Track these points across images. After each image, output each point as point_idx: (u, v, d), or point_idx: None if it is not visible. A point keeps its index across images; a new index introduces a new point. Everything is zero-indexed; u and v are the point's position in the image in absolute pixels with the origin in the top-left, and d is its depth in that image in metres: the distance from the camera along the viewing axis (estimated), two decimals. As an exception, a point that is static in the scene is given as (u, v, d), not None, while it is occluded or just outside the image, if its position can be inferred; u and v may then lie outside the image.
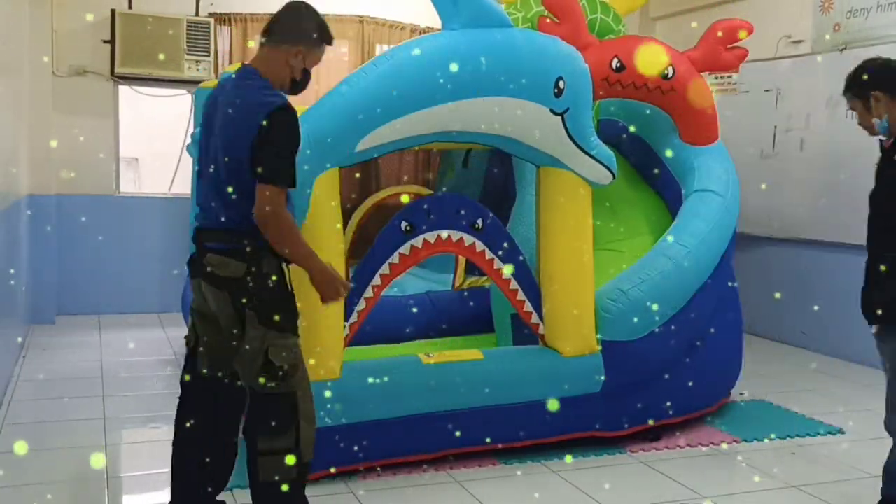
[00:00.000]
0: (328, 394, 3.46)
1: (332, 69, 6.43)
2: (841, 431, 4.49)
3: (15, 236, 5.35)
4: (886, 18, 5.89)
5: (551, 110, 3.69)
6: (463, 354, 3.92)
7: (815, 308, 6.27)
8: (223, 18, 7.11)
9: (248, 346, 2.70)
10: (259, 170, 2.63)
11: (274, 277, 2.74)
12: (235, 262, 2.72)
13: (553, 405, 3.80)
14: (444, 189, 5.99)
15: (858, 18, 6.09)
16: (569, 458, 3.94)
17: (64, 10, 6.72)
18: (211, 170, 2.80)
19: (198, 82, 6.43)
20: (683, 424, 4.45)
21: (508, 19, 3.69)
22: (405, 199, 4.06)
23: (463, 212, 3.74)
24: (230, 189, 2.71)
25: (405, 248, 3.65)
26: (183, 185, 6.97)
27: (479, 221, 3.78)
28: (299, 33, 2.81)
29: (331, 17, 7.28)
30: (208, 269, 2.77)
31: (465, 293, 5.21)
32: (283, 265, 2.79)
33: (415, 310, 4.96)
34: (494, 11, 3.61)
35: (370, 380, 3.59)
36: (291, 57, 2.80)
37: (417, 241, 3.67)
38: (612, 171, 3.94)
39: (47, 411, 4.50)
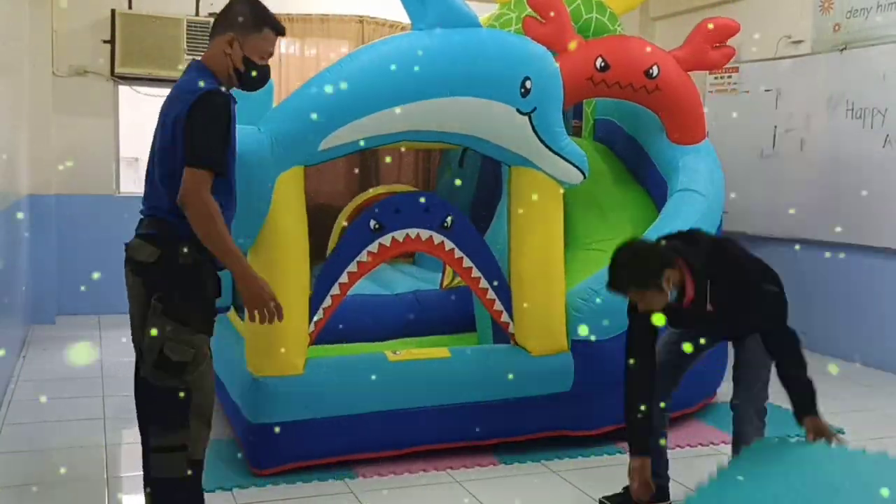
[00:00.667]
0: (291, 389, 3.52)
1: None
2: (841, 431, 4.49)
3: (15, 236, 5.35)
4: (886, 18, 5.89)
5: (518, 110, 3.73)
6: (430, 352, 3.95)
7: (816, 308, 6.28)
8: (223, 18, 7.10)
9: (147, 337, 2.59)
10: (186, 154, 2.57)
11: (188, 267, 2.62)
12: (151, 246, 2.64)
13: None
14: (443, 188, 5.98)
15: (858, 18, 6.09)
16: (569, 459, 3.94)
17: (64, 10, 6.72)
18: (149, 163, 2.76)
19: (198, 82, 6.42)
20: (682, 424, 4.45)
21: (477, 19, 3.76)
22: None
23: (431, 210, 3.77)
24: (157, 176, 2.66)
25: (373, 246, 3.69)
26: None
27: (448, 220, 3.80)
28: (228, 19, 2.74)
29: (331, 17, 7.30)
30: (127, 253, 2.73)
31: (453, 296, 5.21)
32: (209, 258, 2.65)
33: (401, 308, 4.98)
34: (463, 11, 3.66)
35: (333, 376, 3.64)
36: (225, 45, 2.72)
37: (386, 240, 3.70)
38: (582, 171, 3.97)
39: (47, 411, 4.50)
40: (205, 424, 2.67)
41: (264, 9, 2.79)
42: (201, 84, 2.61)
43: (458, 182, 5.85)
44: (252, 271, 2.66)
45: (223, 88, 2.69)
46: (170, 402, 2.60)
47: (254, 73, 2.77)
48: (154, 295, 2.60)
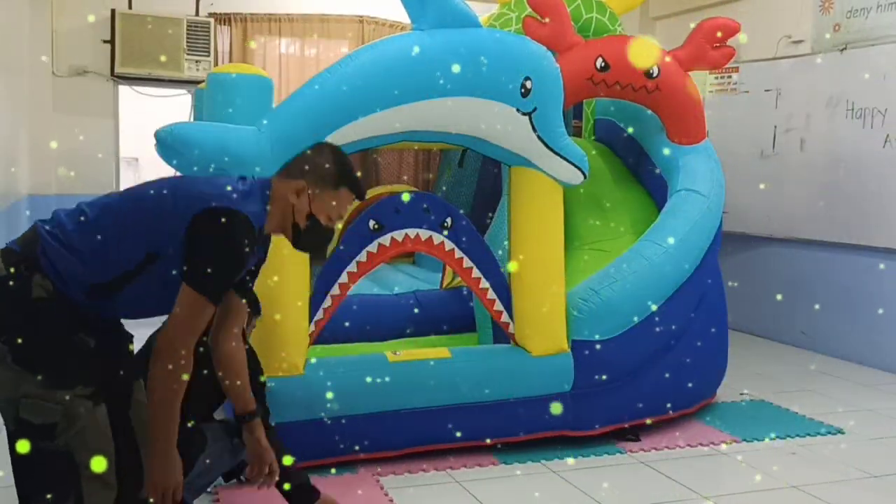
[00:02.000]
0: (291, 390, 3.53)
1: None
2: (841, 431, 4.49)
3: (15, 236, 5.33)
4: (886, 18, 5.89)
5: (518, 110, 3.72)
6: (430, 353, 3.95)
7: (815, 308, 6.28)
8: (223, 18, 7.11)
9: None
10: (188, 273, 2.10)
11: (41, 301, 2.06)
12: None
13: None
14: (444, 188, 5.99)
15: (858, 18, 6.09)
16: (569, 459, 3.94)
17: (64, 10, 6.72)
18: (81, 218, 2.23)
19: (198, 82, 6.42)
20: (682, 424, 4.45)
21: (477, 19, 3.75)
22: None
23: (431, 210, 3.77)
24: (95, 228, 2.17)
25: (373, 246, 3.68)
26: (183, 185, 6.97)
27: (448, 220, 3.80)
28: (306, 165, 2.32)
29: (331, 17, 7.30)
30: None
31: (453, 296, 5.22)
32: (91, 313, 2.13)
33: (401, 309, 4.99)
34: (463, 11, 3.66)
35: (333, 376, 3.64)
36: (291, 193, 2.29)
37: (385, 240, 3.70)
38: (582, 171, 3.97)
39: (47, 411, 4.49)
40: (105, 488, 2.13)
41: (349, 166, 2.38)
42: (236, 197, 2.16)
43: (458, 182, 5.87)
44: (175, 452, 2.17)
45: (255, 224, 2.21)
46: (48, 469, 2.07)
47: (315, 236, 2.38)
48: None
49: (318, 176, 2.31)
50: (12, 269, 2.08)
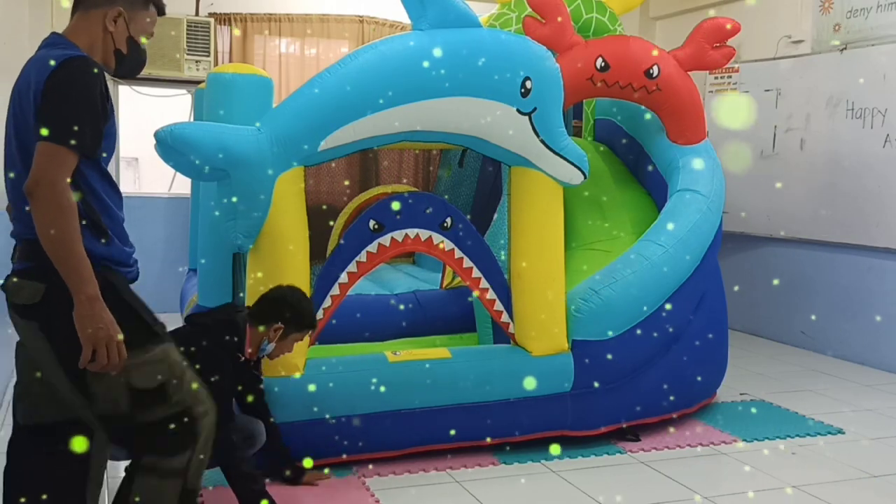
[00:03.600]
0: (291, 390, 3.53)
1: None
2: (841, 431, 4.49)
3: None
4: (886, 18, 5.89)
5: (518, 110, 3.72)
6: (430, 353, 3.95)
7: (816, 308, 6.28)
8: (223, 18, 7.11)
9: (95, 387, 2.13)
10: (40, 127, 2.03)
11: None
12: (31, 282, 2.12)
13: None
14: (444, 188, 5.99)
15: (858, 18, 6.09)
16: (569, 459, 3.94)
17: (64, 10, 6.71)
18: (11, 174, 2.19)
19: (198, 82, 6.43)
20: (682, 424, 4.45)
21: (477, 19, 3.75)
22: None
23: (431, 210, 3.77)
24: (14, 180, 2.13)
25: (373, 247, 3.68)
26: (183, 185, 6.97)
27: (448, 220, 3.80)
28: None
29: (331, 17, 7.30)
30: (6, 294, 2.20)
31: (453, 296, 5.22)
32: (108, 271, 2.17)
33: (401, 309, 4.99)
34: (463, 11, 3.66)
35: (333, 376, 3.64)
36: (109, 20, 2.27)
37: (385, 240, 3.70)
38: (582, 171, 3.96)
39: (47, 411, 4.49)
40: (204, 448, 2.31)
41: None
42: (66, 52, 2.16)
43: (458, 182, 5.87)
44: (99, 300, 2.05)
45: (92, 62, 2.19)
46: (170, 429, 2.20)
47: (136, 58, 2.37)
48: (59, 336, 2.10)
49: None
50: (42, 279, 2.12)
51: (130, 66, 2.37)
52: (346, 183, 6.27)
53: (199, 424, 2.26)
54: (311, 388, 3.56)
